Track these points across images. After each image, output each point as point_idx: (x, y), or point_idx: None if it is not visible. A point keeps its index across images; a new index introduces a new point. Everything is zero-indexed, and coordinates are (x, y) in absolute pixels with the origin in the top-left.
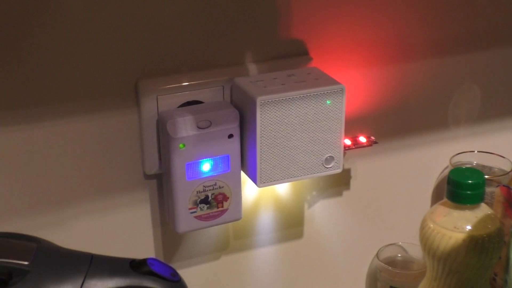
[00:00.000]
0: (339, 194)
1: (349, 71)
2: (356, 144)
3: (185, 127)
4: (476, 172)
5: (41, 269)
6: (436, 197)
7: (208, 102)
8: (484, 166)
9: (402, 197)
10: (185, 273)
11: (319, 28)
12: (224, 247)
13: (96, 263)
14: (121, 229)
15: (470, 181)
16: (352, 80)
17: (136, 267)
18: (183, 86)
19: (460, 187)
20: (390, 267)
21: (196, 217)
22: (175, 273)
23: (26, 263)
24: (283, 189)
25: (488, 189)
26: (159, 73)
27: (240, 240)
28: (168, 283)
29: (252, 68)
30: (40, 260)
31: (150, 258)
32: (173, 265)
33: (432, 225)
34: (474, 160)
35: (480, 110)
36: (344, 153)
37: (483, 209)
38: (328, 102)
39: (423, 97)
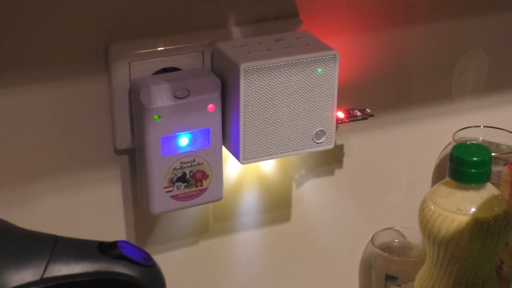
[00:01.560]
0: (331, 172)
1: (343, 35)
2: (350, 117)
3: (160, 97)
4: (482, 148)
5: None
6: (437, 176)
7: (186, 69)
8: (491, 143)
9: (400, 176)
10: (160, 259)
11: None
12: (203, 231)
13: (61, 246)
14: (88, 210)
15: (475, 158)
16: (346, 46)
17: (105, 250)
18: (158, 51)
19: (464, 165)
20: (386, 254)
21: (172, 196)
22: (148, 258)
23: None
24: (268, 167)
25: (494, 168)
26: (132, 36)
27: (220, 222)
28: (141, 268)
29: (236, 31)
30: None
31: (121, 241)
32: (147, 250)
33: (432, 207)
34: (480, 135)
35: (488, 80)
36: (337, 127)
37: (489, 190)
38: (319, 70)
39: (424, 65)
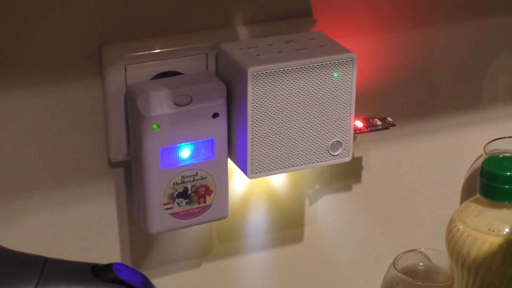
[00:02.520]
0: (348, 188)
1: (362, 36)
2: (369, 127)
3: (159, 104)
4: None
5: None
6: (466, 193)
7: (188, 73)
8: None
9: (425, 193)
10: (158, 283)
11: None
12: (206, 252)
13: (51, 268)
14: (80, 228)
15: (508, 173)
16: (365, 48)
17: (100, 273)
18: (157, 53)
19: (496, 180)
20: (409, 279)
21: (172, 214)
22: (147, 282)
23: None
24: (279, 182)
25: None
26: (128, 37)
27: (225, 243)
28: None
29: (243, 31)
30: None
31: (116, 263)
32: (144, 273)
33: (461, 227)
34: None
35: None
36: (355, 138)
37: None
38: (335, 74)
39: (452, 69)
